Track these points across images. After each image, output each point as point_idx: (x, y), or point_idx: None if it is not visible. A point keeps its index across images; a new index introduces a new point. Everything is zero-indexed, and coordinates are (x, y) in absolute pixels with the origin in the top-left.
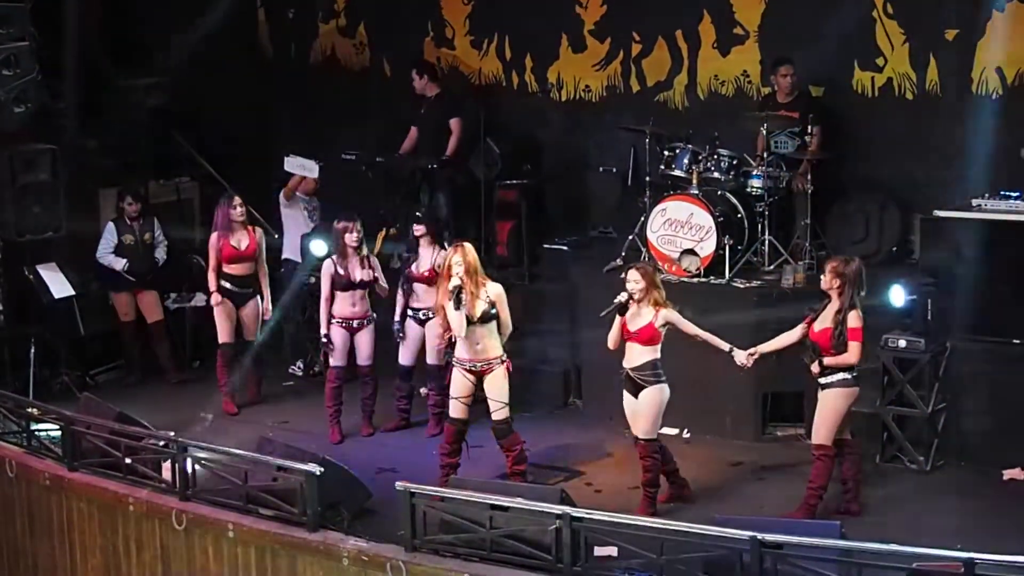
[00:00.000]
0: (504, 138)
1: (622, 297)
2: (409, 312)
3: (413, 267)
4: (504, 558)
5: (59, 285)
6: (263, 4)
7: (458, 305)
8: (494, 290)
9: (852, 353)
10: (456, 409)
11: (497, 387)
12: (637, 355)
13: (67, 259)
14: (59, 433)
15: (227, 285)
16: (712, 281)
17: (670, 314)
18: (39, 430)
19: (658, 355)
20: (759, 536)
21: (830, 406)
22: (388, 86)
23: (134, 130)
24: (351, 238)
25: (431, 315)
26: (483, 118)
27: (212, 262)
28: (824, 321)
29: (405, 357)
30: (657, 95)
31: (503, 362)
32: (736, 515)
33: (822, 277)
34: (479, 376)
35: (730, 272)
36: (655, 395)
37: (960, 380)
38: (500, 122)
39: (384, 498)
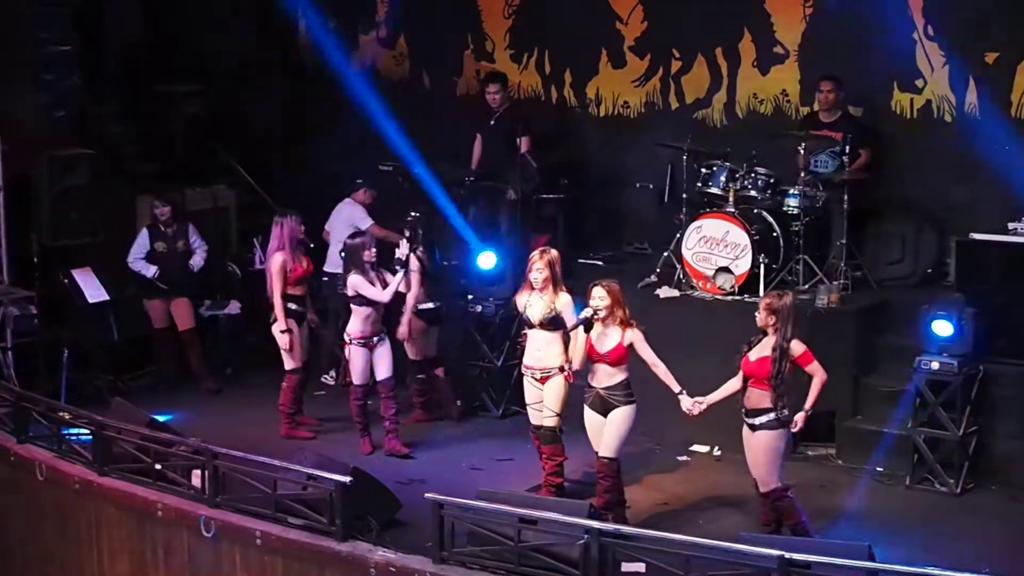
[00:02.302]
0: (542, 152)
1: (587, 313)
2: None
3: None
4: (532, 572)
5: (94, 290)
6: (304, 14)
7: (587, 330)
8: (562, 300)
9: (818, 372)
10: (533, 416)
11: (552, 395)
12: (607, 375)
13: (103, 264)
14: (90, 437)
15: (295, 307)
16: (747, 299)
17: (635, 335)
18: (70, 434)
19: (627, 374)
20: (786, 555)
21: (767, 447)
22: (427, 97)
23: (173, 137)
24: (370, 255)
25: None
26: (521, 131)
27: (279, 286)
28: (764, 350)
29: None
30: (695, 112)
31: (563, 372)
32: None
33: (756, 315)
34: (542, 383)
35: (765, 291)
36: (627, 415)
37: (992, 403)
38: (538, 136)
39: (413, 509)
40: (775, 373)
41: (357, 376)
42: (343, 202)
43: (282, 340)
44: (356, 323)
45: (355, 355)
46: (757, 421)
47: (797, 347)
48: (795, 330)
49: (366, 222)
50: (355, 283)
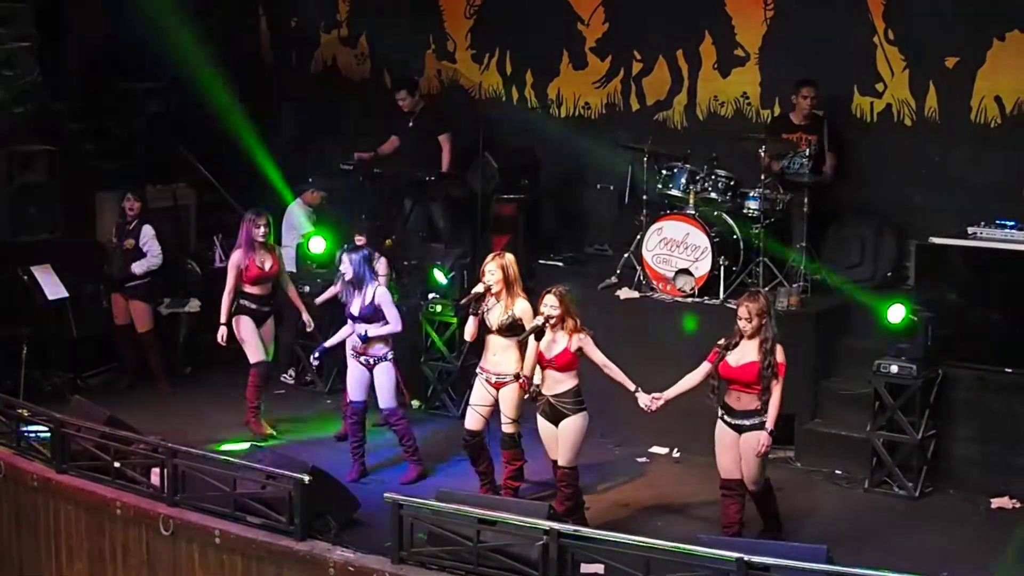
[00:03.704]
0: (502, 153)
1: (538, 321)
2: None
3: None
4: (491, 572)
5: (53, 287)
6: (265, 12)
7: (475, 311)
8: (519, 307)
9: (778, 392)
10: (470, 419)
11: (508, 402)
12: (557, 382)
13: (61, 261)
14: (48, 435)
15: (250, 304)
16: (706, 301)
17: (582, 339)
18: (28, 431)
19: (577, 381)
20: (745, 557)
21: (756, 447)
22: (388, 97)
23: (133, 134)
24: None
25: None
26: (482, 132)
27: (231, 283)
28: (745, 355)
29: None
30: (656, 114)
31: (518, 379)
32: (723, 536)
33: (740, 322)
34: (496, 388)
35: (724, 293)
36: (577, 424)
37: (951, 407)
38: (499, 136)
39: (372, 509)
40: (765, 367)
41: (349, 391)
42: (294, 202)
43: (220, 332)
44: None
45: (349, 366)
46: (749, 422)
47: (780, 353)
48: (775, 328)
49: (304, 227)
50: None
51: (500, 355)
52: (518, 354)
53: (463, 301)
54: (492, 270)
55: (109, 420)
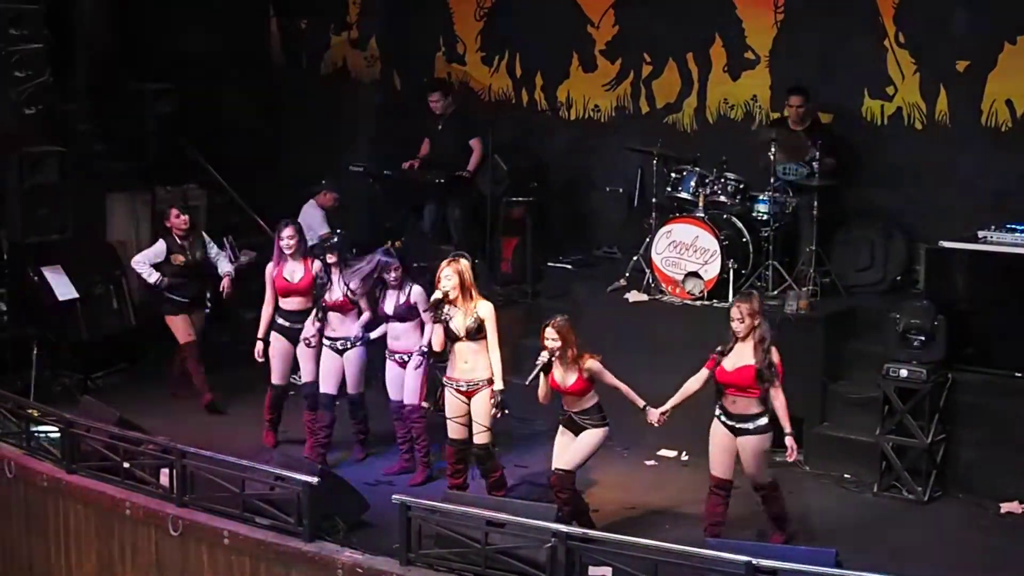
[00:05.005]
0: (512, 155)
1: (544, 357)
2: (325, 342)
3: (326, 295)
4: (498, 575)
5: (63, 287)
6: (276, 14)
7: (438, 318)
8: (483, 309)
9: (782, 394)
10: (453, 430)
11: (481, 409)
12: (577, 402)
13: (72, 261)
14: (58, 435)
15: (282, 322)
16: (715, 304)
17: (593, 365)
18: (38, 432)
19: (597, 397)
20: (753, 561)
21: (761, 449)
22: (398, 99)
23: (143, 135)
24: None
25: (348, 344)
26: (491, 134)
27: (268, 295)
28: (740, 359)
29: (323, 386)
30: (666, 117)
31: (491, 383)
32: (731, 539)
33: (734, 324)
34: (468, 396)
35: (733, 296)
36: (598, 436)
37: (959, 411)
38: (508, 139)
39: (380, 510)
40: (766, 366)
41: (389, 390)
42: (306, 204)
43: (257, 348)
44: None
45: (387, 366)
46: (751, 426)
47: (776, 354)
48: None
49: (323, 228)
50: None
51: (471, 361)
52: (487, 358)
53: (425, 309)
54: (448, 275)
55: (119, 421)
